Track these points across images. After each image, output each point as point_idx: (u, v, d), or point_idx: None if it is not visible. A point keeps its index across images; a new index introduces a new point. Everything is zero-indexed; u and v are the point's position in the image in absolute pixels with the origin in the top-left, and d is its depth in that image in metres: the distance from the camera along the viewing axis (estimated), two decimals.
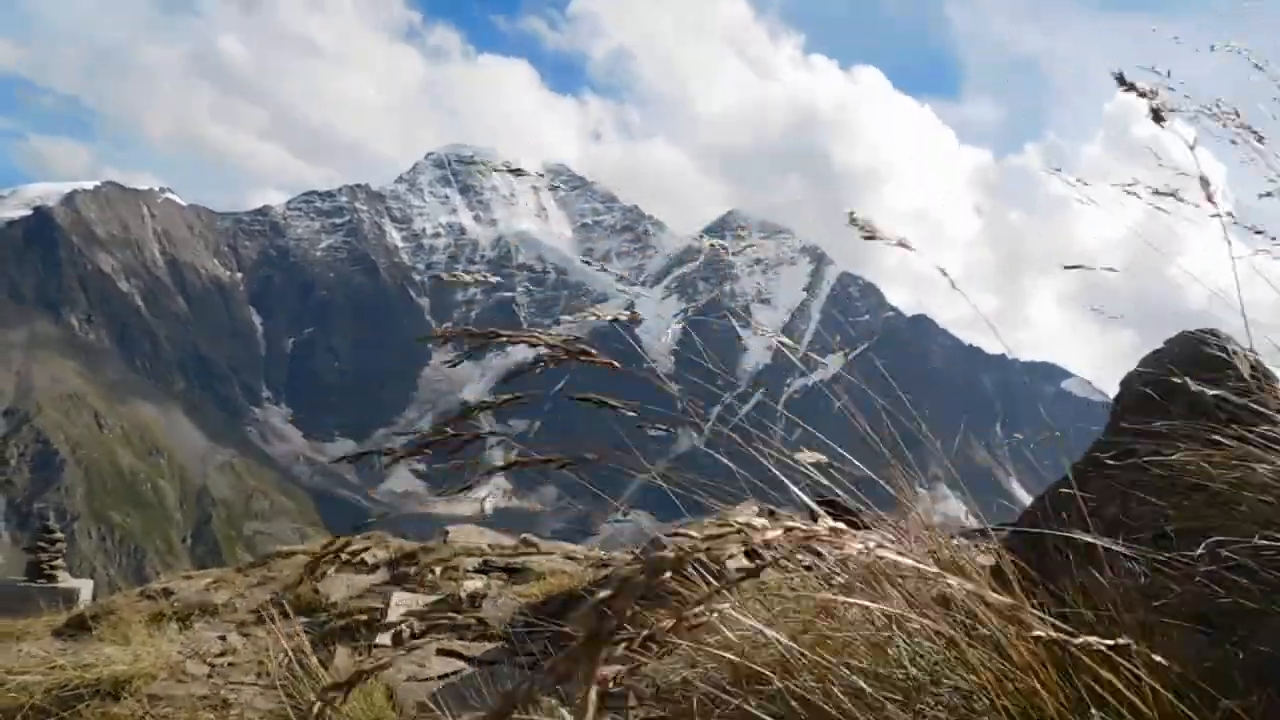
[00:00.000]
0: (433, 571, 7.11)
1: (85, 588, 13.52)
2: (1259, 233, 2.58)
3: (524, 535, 8.19)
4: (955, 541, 5.89)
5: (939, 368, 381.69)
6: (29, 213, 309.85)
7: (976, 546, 6.05)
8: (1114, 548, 2.28)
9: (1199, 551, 2.21)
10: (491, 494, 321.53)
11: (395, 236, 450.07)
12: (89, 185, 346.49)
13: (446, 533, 8.49)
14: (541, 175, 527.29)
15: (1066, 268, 2.64)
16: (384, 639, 5.80)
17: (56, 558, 13.51)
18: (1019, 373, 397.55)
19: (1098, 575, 2.28)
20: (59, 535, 14.02)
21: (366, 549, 8.91)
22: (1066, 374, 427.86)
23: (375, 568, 7.77)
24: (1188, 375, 2.61)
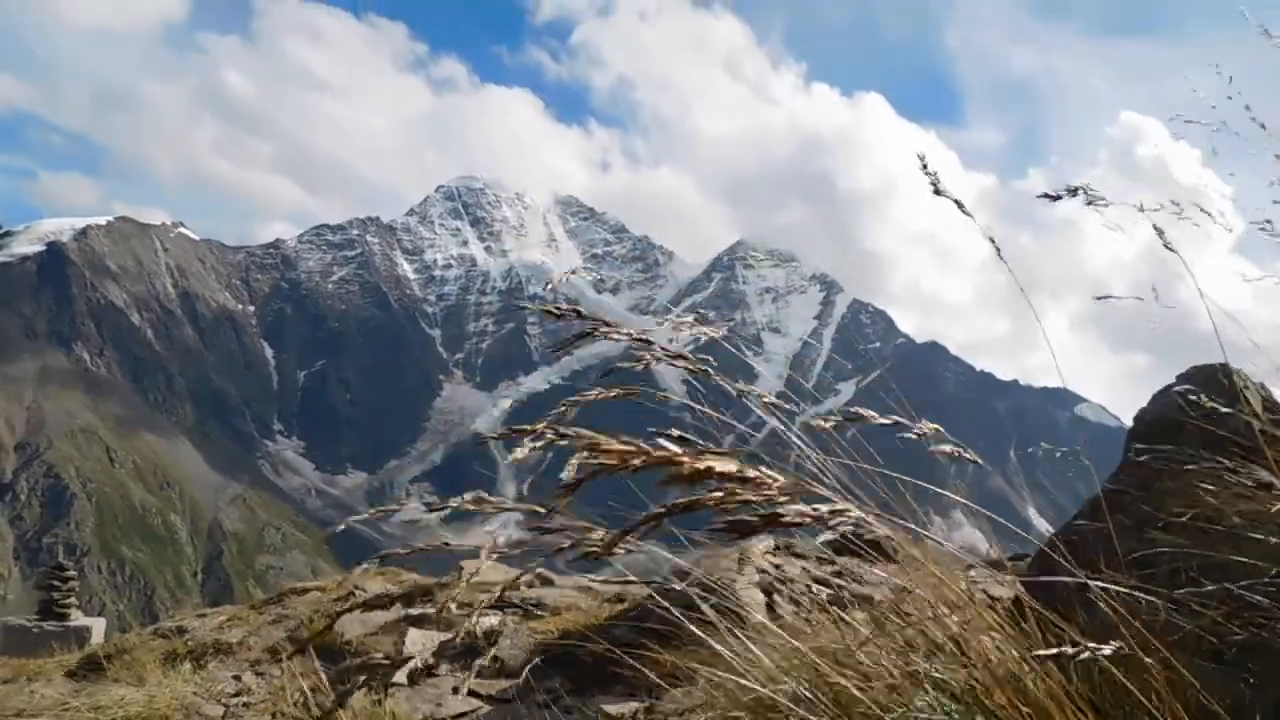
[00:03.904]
0: (448, 608, 7.09)
1: (97, 626, 13.51)
2: None
3: (539, 570, 8.17)
4: (973, 573, 5.86)
5: (952, 394, 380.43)
6: (42, 248, 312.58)
7: (994, 579, 6.03)
8: (1128, 587, 2.28)
9: (1212, 588, 2.22)
10: (503, 525, 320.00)
11: (406, 268, 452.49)
12: (102, 220, 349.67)
13: (461, 568, 8.48)
14: (552, 207, 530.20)
15: (1098, 298, 2.65)
16: (400, 677, 5.79)
17: (69, 596, 13.52)
18: (1032, 398, 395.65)
19: (1112, 611, 2.28)
20: (72, 574, 14.04)
21: (382, 592, 8.90)
22: (1080, 399, 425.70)
23: (389, 604, 7.75)
24: (1200, 409, 2.62)
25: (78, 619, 13.41)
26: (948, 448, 2.35)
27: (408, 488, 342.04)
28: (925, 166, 2.27)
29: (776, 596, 5.51)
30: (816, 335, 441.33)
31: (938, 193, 2.38)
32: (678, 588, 6.28)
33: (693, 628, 3.67)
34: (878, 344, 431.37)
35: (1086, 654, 1.50)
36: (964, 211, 2.51)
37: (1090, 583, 1.88)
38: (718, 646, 3.02)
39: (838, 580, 6.06)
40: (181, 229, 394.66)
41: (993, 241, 2.53)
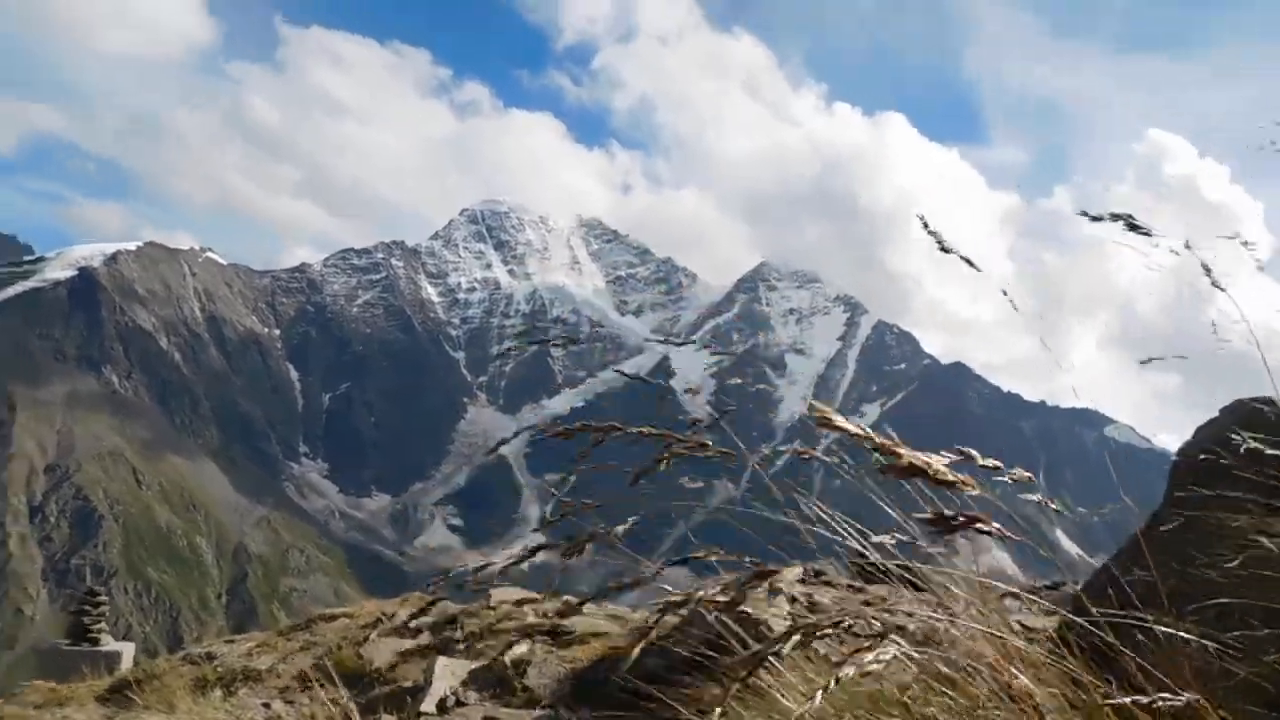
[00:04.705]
0: (476, 636, 7.08)
1: (127, 651, 13.59)
2: None
3: (565, 596, 8.15)
4: (1007, 602, 5.75)
5: (978, 415, 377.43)
6: (73, 273, 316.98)
7: (1028, 608, 5.95)
8: (1175, 628, 2.24)
9: (1266, 632, 2.18)
10: (525, 547, 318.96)
11: (431, 291, 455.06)
12: (131, 246, 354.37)
13: (489, 594, 8.47)
14: (575, 230, 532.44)
15: (1143, 363, 2.61)
16: (429, 706, 5.77)
17: (99, 621, 13.62)
18: (1060, 419, 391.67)
19: (1159, 651, 2.24)
20: (103, 599, 14.14)
21: (409, 619, 8.90)
22: (1108, 420, 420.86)
23: (417, 631, 7.75)
24: (1244, 444, 2.58)
25: (108, 644, 13.50)
26: (1036, 496, 2.33)
27: (432, 510, 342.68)
28: (927, 225, 2.28)
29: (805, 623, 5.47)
30: (841, 356, 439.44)
31: (944, 250, 2.37)
32: (709, 617, 6.25)
33: (729, 659, 3.62)
34: (903, 365, 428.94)
35: (1163, 702, 1.47)
36: (972, 266, 2.50)
37: (1153, 626, 1.85)
38: (764, 680, 3.00)
39: (869, 610, 6.00)
40: (209, 254, 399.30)
41: (1005, 294, 2.51)
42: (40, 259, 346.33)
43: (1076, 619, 3.04)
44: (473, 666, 6.44)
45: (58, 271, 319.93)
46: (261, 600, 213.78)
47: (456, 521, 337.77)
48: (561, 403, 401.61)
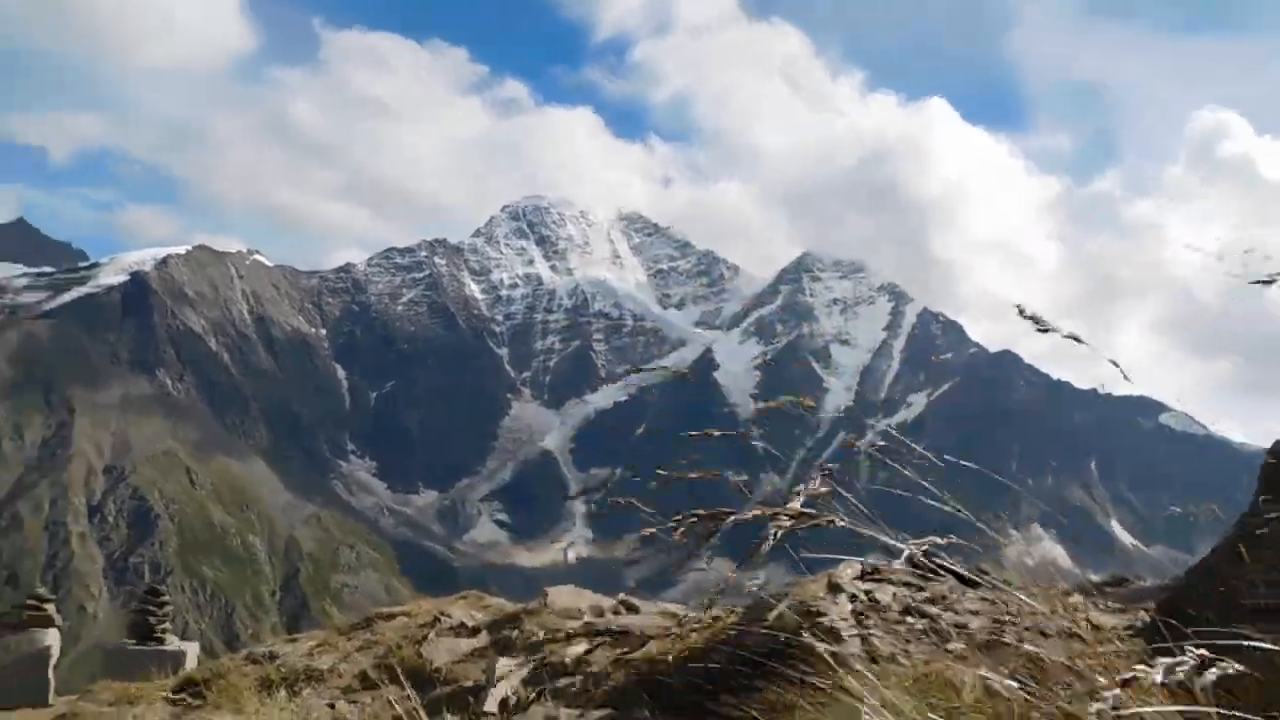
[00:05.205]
0: (535, 635, 7.11)
1: (191, 650, 13.85)
2: None
3: (622, 596, 8.16)
4: (1074, 599, 5.66)
5: (1027, 404, 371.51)
6: (126, 278, 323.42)
7: (1096, 605, 5.83)
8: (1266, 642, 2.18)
9: None
10: (574, 543, 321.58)
11: (474, 288, 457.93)
12: (181, 250, 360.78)
13: (546, 594, 8.50)
14: (616, 224, 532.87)
15: (1260, 283, 2.53)
16: (491, 707, 5.80)
17: (164, 621, 13.87)
18: (1113, 407, 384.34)
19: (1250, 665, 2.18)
20: (166, 598, 14.41)
21: (468, 618, 8.96)
22: (1163, 407, 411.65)
23: (475, 630, 7.81)
24: None
25: (173, 643, 13.75)
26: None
27: (479, 506, 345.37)
28: (1022, 311, 2.25)
29: (870, 625, 5.41)
30: (886, 347, 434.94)
31: (1042, 330, 2.35)
32: (769, 616, 6.21)
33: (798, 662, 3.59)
34: (949, 354, 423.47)
35: None
36: (1078, 341, 2.46)
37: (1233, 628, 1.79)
38: (848, 681, 2.96)
39: (931, 607, 5.92)
40: (256, 256, 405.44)
41: (1078, 339, 2.46)
42: (94, 265, 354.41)
43: (1169, 621, 2.96)
44: (533, 666, 6.46)
45: (111, 277, 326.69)
46: (313, 596, 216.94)
47: (503, 517, 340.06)
48: (604, 397, 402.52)
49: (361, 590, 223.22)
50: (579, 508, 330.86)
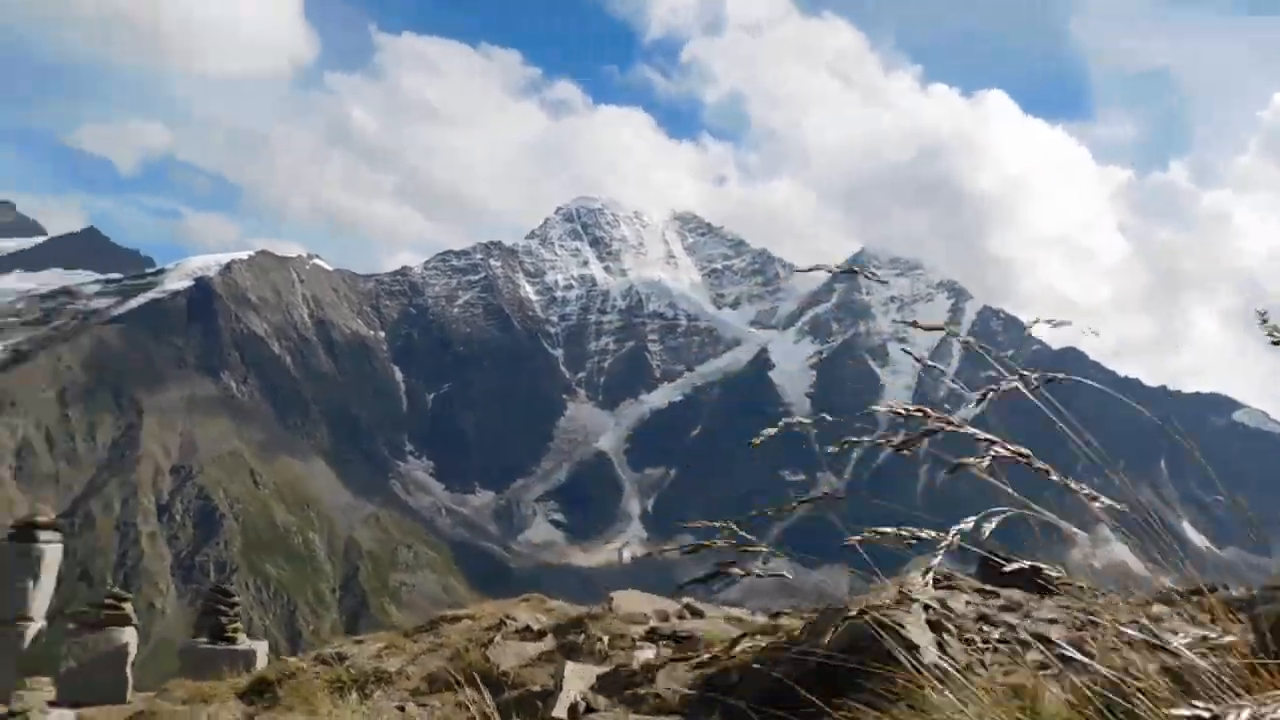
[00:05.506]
0: (601, 640, 7.12)
1: (261, 649, 14.10)
2: None
3: (686, 601, 8.14)
4: (1156, 609, 5.50)
5: (1093, 402, 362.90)
6: (191, 283, 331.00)
7: (1179, 614, 5.65)
8: None
9: None
10: (629, 543, 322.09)
11: (529, 290, 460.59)
12: (244, 255, 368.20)
13: (610, 598, 8.51)
14: (670, 224, 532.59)
15: None
16: (559, 711, 5.82)
17: (235, 620, 14.15)
18: (1183, 405, 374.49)
19: None
20: (236, 598, 14.69)
21: (533, 621, 9.00)
22: (1237, 404, 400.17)
23: (541, 634, 7.84)
24: None
25: (244, 643, 14.03)
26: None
27: (534, 506, 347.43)
28: (1264, 319, 2.18)
29: (945, 635, 5.32)
30: (945, 345, 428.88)
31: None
32: (839, 624, 6.13)
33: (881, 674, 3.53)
34: (1011, 352, 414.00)
35: None
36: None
37: None
38: (930, 695, 2.90)
39: (1008, 616, 5.81)
40: (316, 260, 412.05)
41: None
42: (161, 271, 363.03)
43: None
44: (600, 671, 6.47)
45: (176, 282, 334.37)
46: (372, 595, 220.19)
47: (559, 517, 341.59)
48: (660, 397, 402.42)
49: (419, 589, 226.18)
50: (634, 506, 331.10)
